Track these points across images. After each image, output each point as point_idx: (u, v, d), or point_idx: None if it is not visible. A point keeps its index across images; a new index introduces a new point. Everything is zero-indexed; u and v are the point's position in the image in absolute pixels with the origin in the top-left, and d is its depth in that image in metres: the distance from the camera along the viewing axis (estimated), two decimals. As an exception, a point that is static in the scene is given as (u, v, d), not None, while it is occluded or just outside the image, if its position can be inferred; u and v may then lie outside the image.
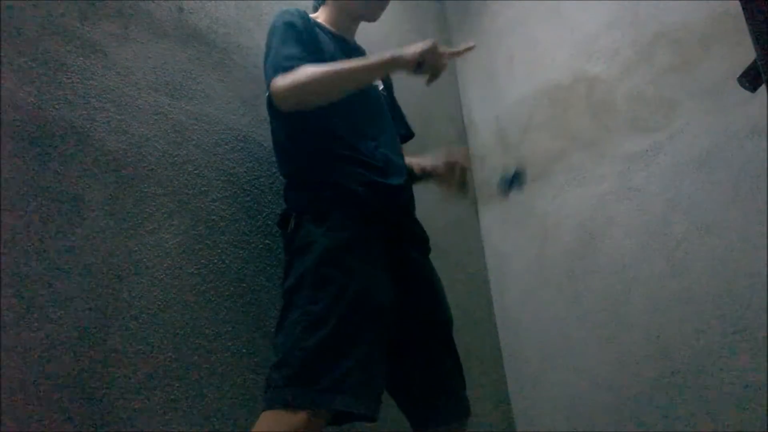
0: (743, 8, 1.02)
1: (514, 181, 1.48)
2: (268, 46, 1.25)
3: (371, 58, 1.19)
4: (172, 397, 1.12)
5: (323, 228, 1.12)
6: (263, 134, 1.49)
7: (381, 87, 1.44)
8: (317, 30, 1.30)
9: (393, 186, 1.23)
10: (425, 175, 1.40)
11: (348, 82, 1.17)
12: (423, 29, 2.31)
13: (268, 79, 1.18)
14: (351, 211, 1.15)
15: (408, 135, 1.52)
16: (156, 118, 1.28)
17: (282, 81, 1.14)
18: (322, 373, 0.99)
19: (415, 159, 1.43)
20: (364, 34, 1.48)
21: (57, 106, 1.12)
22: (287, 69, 1.15)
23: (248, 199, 1.40)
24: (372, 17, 1.40)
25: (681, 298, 1.66)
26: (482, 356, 1.96)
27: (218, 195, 1.34)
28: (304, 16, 1.28)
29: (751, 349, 1.52)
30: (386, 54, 1.15)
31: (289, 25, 1.23)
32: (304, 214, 1.17)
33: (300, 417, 0.96)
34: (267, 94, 1.20)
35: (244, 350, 1.27)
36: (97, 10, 1.24)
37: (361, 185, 1.18)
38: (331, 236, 1.11)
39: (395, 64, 1.15)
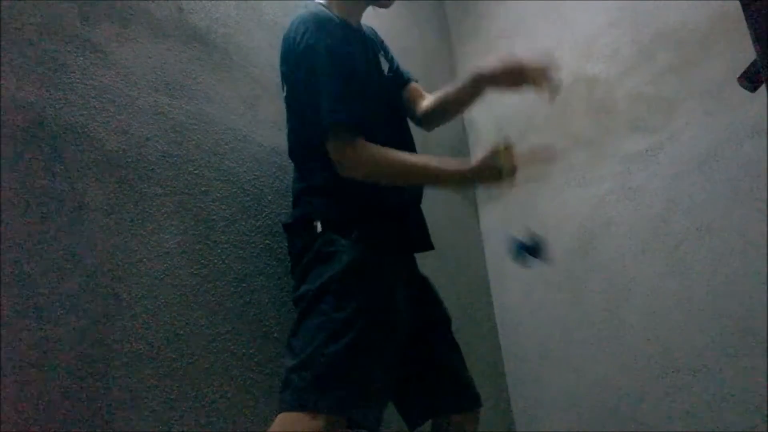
0: (743, 8, 1.02)
1: (531, 249, 1.21)
2: (314, 74, 1.17)
3: (448, 170, 1.17)
4: (172, 397, 1.12)
5: (351, 239, 1.13)
6: (263, 134, 1.49)
7: (387, 70, 1.40)
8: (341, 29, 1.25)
9: (411, 198, 1.26)
10: (479, 85, 1.34)
11: (416, 182, 1.22)
12: (423, 29, 2.31)
13: (328, 121, 1.13)
14: (378, 225, 1.17)
15: (412, 81, 1.48)
16: (156, 118, 1.28)
17: (351, 158, 1.13)
18: (343, 380, 1.01)
19: (456, 84, 1.38)
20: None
21: (57, 106, 1.12)
22: (352, 126, 1.13)
23: (248, 199, 1.40)
24: (385, 3, 1.37)
25: (681, 298, 1.66)
26: (482, 356, 1.96)
27: (218, 195, 1.34)
28: (336, 26, 1.23)
29: (751, 349, 1.52)
30: (459, 173, 1.17)
31: (334, 52, 1.17)
32: (330, 221, 1.16)
33: (319, 421, 0.97)
34: (334, 121, 1.13)
35: (244, 350, 1.27)
36: (97, 10, 1.24)
37: (387, 196, 1.20)
38: (359, 248, 1.12)
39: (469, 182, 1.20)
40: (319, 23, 1.21)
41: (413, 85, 1.47)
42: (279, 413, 1.01)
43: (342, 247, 1.12)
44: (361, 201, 1.18)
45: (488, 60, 1.30)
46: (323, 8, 1.29)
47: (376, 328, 1.06)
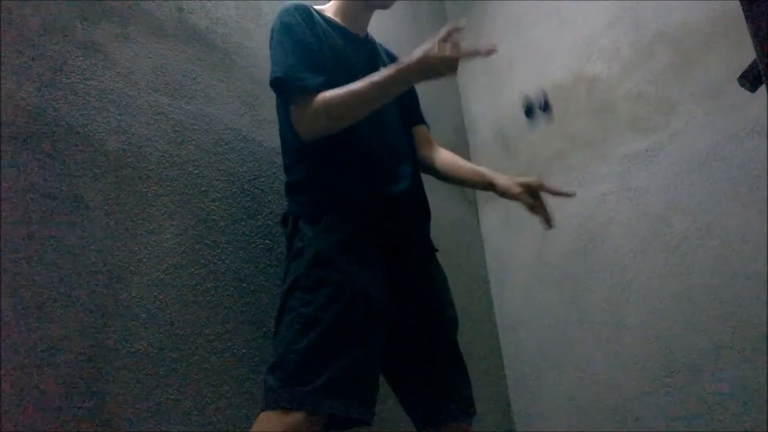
0: (743, 8, 1.02)
1: (543, 107, 1.27)
2: (271, 47, 1.24)
3: (392, 72, 1.14)
4: (172, 397, 1.12)
5: (317, 231, 1.12)
6: (263, 134, 1.49)
7: None
8: (320, 25, 1.26)
9: (393, 192, 1.22)
10: (489, 189, 1.37)
11: (364, 108, 1.16)
12: (422, 30, 2.31)
13: (279, 77, 1.18)
14: (345, 214, 1.15)
15: (420, 121, 1.49)
16: (156, 118, 1.28)
17: (304, 118, 1.15)
18: (314, 374, 0.99)
19: (479, 169, 1.41)
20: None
21: (57, 106, 1.12)
22: (298, 89, 1.15)
23: (248, 199, 1.40)
24: (385, 4, 1.37)
25: (681, 298, 1.66)
26: (482, 356, 1.96)
27: (218, 195, 1.34)
28: (303, 12, 1.25)
29: (751, 349, 1.52)
30: (392, 70, 1.13)
31: (286, 28, 1.21)
32: (300, 216, 1.17)
33: (294, 418, 0.96)
34: (273, 78, 1.19)
35: (244, 350, 1.27)
36: (97, 10, 1.24)
37: (359, 189, 1.18)
38: (325, 239, 1.11)
39: (406, 77, 1.13)
40: (284, 10, 1.24)
41: (421, 127, 1.48)
42: (260, 413, 1.02)
43: (308, 241, 1.12)
44: (331, 193, 1.17)
45: (506, 179, 1.34)
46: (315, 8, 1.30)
47: (350, 318, 1.05)
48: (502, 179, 1.34)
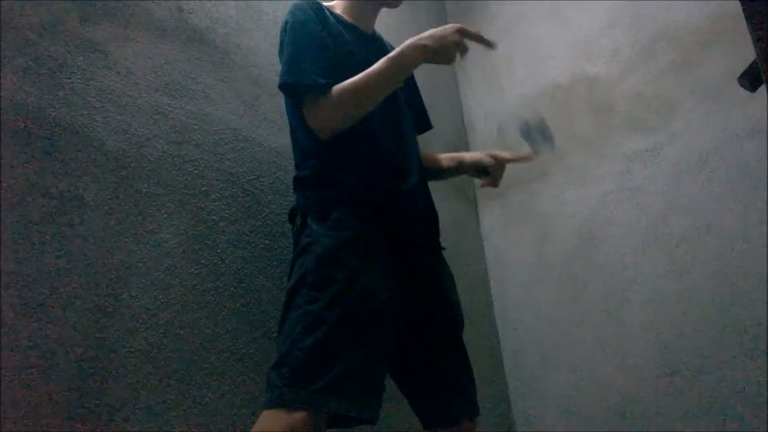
0: (743, 8, 1.02)
1: (538, 135, 1.29)
2: (282, 45, 1.24)
3: (400, 52, 1.17)
4: (172, 397, 1.12)
5: (325, 227, 1.12)
6: (263, 134, 1.49)
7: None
8: (331, 21, 1.27)
9: (402, 190, 1.22)
10: (461, 168, 1.44)
11: (376, 94, 1.17)
12: (422, 30, 2.30)
13: (287, 83, 1.19)
14: (354, 211, 1.15)
15: (426, 127, 1.53)
16: (156, 118, 1.28)
17: (321, 115, 1.16)
18: (318, 373, 0.99)
19: (450, 154, 1.49)
20: (364, 34, 1.48)
21: (57, 106, 1.12)
22: (311, 88, 1.16)
23: (248, 199, 1.40)
24: (393, 3, 1.38)
25: (681, 298, 1.66)
26: (482, 356, 1.96)
27: (218, 195, 1.34)
28: (315, 8, 1.26)
29: (751, 349, 1.52)
30: (398, 55, 1.15)
31: (299, 24, 1.22)
32: (309, 212, 1.17)
33: (297, 417, 0.96)
34: (281, 83, 1.21)
35: (244, 350, 1.27)
36: (97, 10, 1.24)
37: (366, 186, 1.18)
38: (333, 235, 1.11)
39: (414, 49, 1.16)
40: (296, 6, 1.25)
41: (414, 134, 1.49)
42: (262, 411, 1.01)
43: (317, 237, 1.11)
44: (340, 190, 1.17)
45: (473, 153, 1.45)
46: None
47: (357, 317, 1.04)
48: (468, 154, 1.43)
